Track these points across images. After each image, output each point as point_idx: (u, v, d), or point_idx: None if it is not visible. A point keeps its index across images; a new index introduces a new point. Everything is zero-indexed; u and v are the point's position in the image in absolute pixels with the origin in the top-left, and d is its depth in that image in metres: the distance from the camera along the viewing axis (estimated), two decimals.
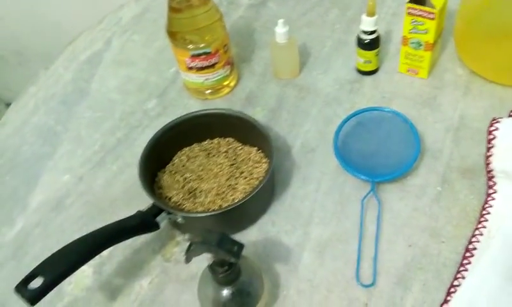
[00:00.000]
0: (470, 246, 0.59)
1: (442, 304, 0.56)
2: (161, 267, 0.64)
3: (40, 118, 0.87)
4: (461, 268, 0.58)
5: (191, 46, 0.76)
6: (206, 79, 0.81)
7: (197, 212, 0.65)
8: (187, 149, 0.74)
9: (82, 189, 0.75)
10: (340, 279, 0.60)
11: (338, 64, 0.87)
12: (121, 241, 0.58)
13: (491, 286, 0.54)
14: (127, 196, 0.73)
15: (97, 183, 0.75)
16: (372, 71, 0.82)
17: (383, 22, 0.90)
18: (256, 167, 0.70)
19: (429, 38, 0.74)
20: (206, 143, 0.75)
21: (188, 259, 0.50)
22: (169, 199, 0.68)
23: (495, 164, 0.63)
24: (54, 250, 0.54)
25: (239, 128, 0.72)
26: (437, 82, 0.80)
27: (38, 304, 0.51)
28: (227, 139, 0.75)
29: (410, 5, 0.72)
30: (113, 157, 0.79)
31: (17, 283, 0.51)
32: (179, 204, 0.67)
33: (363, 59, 0.80)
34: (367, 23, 0.76)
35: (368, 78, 0.83)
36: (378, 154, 0.70)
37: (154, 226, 0.60)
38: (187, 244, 0.50)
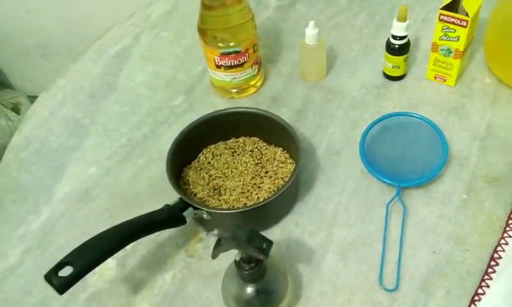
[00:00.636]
0: (495, 255, 0.59)
1: None
2: (184, 262, 0.65)
3: (67, 110, 0.89)
4: (486, 277, 0.58)
5: (221, 44, 0.77)
6: (234, 78, 0.82)
7: (222, 209, 0.66)
8: (212, 146, 0.75)
9: (108, 182, 0.76)
10: (363, 282, 0.60)
11: (365, 68, 0.87)
12: (148, 234, 0.59)
13: None
14: (152, 190, 0.74)
15: (123, 177, 0.76)
16: (400, 76, 0.82)
17: (411, 28, 0.90)
18: (282, 167, 0.71)
19: (460, 45, 0.74)
20: (231, 141, 0.75)
21: (215, 255, 0.51)
22: (195, 195, 0.69)
23: None
24: (79, 241, 0.55)
25: (265, 128, 0.73)
26: (465, 91, 0.80)
27: None
28: (252, 138, 0.75)
29: (443, 11, 0.72)
30: (139, 152, 0.80)
31: (43, 271, 0.52)
32: (204, 201, 0.68)
33: (392, 64, 0.80)
34: (398, 28, 0.76)
35: (395, 84, 0.83)
36: (404, 159, 0.70)
37: (181, 221, 0.61)
38: (211, 241, 0.50)
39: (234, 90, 0.85)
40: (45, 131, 0.86)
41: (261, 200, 0.66)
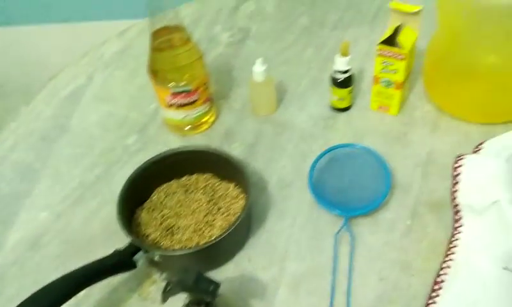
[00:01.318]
0: (438, 279, 0.61)
1: None
2: (138, 306, 0.65)
3: (18, 155, 0.88)
4: (430, 301, 0.60)
5: (171, 84, 0.78)
6: (186, 116, 0.83)
7: (174, 250, 0.66)
8: (165, 185, 0.76)
9: (60, 227, 0.75)
10: None
11: (314, 101, 0.90)
12: (98, 281, 0.59)
13: None
14: (105, 233, 0.73)
15: (75, 221, 0.76)
16: (346, 108, 0.85)
17: (356, 60, 0.94)
18: (234, 203, 0.72)
19: (399, 77, 0.77)
20: (184, 179, 0.76)
21: (165, 299, 0.51)
22: (147, 236, 0.69)
23: (461, 199, 0.66)
24: (31, 290, 0.54)
25: (217, 164, 0.74)
26: (407, 119, 0.83)
27: None
28: (205, 175, 0.76)
29: (381, 46, 0.76)
30: (92, 194, 0.79)
31: None
32: (156, 242, 0.68)
33: (337, 96, 0.83)
34: (341, 63, 0.79)
35: (342, 115, 0.86)
36: (351, 189, 0.72)
37: (131, 266, 0.61)
38: (164, 283, 0.51)
39: (187, 127, 0.86)
40: None
41: (213, 238, 0.66)
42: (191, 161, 0.75)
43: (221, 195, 0.73)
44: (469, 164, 0.66)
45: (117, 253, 0.61)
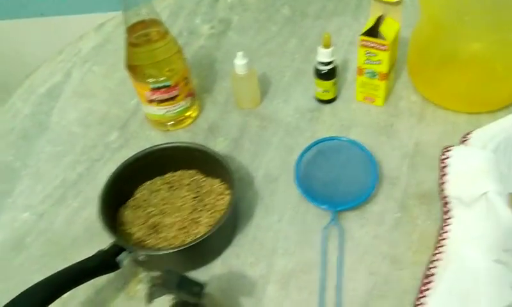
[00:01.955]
0: (428, 272, 0.61)
1: None
2: (125, 305, 0.63)
3: None
4: (420, 295, 0.59)
5: (150, 79, 0.76)
6: (167, 111, 0.81)
7: (159, 249, 0.65)
8: (148, 182, 0.74)
9: (43, 227, 0.73)
10: None
11: (298, 93, 0.88)
12: (82, 283, 0.57)
13: None
14: (88, 232, 0.72)
15: (58, 221, 0.74)
16: (331, 100, 0.84)
17: (340, 51, 0.93)
18: (219, 200, 0.70)
19: (383, 68, 0.76)
20: (168, 176, 0.75)
21: (149, 301, 0.50)
22: (132, 235, 0.67)
23: (449, 190, 0.65)
24: (14, 292, 0.53)
25: (201, 161, 0.73)
26: (393, 110, 0.83)
27: None
28: (190, 172, 0.75)
29: (363, 37, 0.74)
30: (74, 193, 0.77)
31: None
32: (142, 241, 0.66)
33: (321, 88, 0.82)
34: (323, 55, 0.78)
35: (327, 107, 0.85)
36: (339, 182, 0.72)
37: (115, 267, 0.59)
38: (149, 284, 0.49)
39: (170, 123, 0.84)
40: None
41: (199, 236, 0.65)
42: (175, 157, 0.74)
43: (207, 191, 0.72)
44: (456, 156, 0.65)
45: (100, 254, 0.59)
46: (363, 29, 0.74)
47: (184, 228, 0.67)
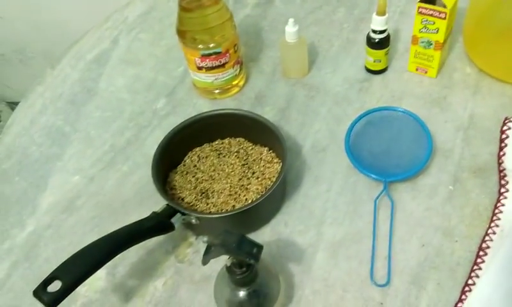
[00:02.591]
0: (483, 245, 0.60)
1: (457, 303, 0.56)
2: (175, 268, 0.64)
3: (48, 119, 0.87)
4: (475, 268, 0.58)
5: (201, 46, 0.76)
6: (216, 79, 0.81)
7: (211, 213, 0.65)
8: (197, 149, 0.74)
9: (93, 190, 0.75)
10: (355, 279, 0.60)
11: (347, 63, 0.87)
12: (137, 243, 0.58)
13: (506, 285, 0.54)
14: (138, 196, 0.73)
15: (108, 184, 0.75)
16: (382, 70, 0.83)
17: (391, 20, 0.90)
18: (268, 168, 0.70)
19: (439, 37, 0.74)
20: (217, 143, 0.75)
21: (206, 261, 0.50)
22: (182, 199, 0.68)
23: (508, 163, 0.63)
24: (67, 252, 0.54)
25: (250, 128, 0.72)
26: (446, 82, 0.80)
27: None
28: (238, 139, 0.75)
29: (421, 4, 0.72)
30: (123, 158, 0.79)
31: (31, 285, 0.51)
32: (192, 205, 0.67)
33: (373, 58, 0.80)
34: (378, 23, 0.76)
35: (377, 78, 0.83)
36: (389, 154, 0.70)
37: (170, 227, 0.60)
38: (202, 245, 0.50)
39: (217, 91, 0.84)
40: (26, 141, 0.84)
41: (249, 202, 0.65)
42: (224, 125, 0.74)
43: (255, 159, 0.72)
44: None
45: (155, 216, 0.60)
46: None
47: (234, 194, 0.68)
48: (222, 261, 0.52)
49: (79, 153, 0.81)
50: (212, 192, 0.69)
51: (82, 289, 0.64)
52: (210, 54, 0.77)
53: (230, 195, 0.68)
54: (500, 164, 0.64)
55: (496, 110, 0.74)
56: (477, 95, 0.77)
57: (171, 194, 0.69)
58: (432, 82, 0.81)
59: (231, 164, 0.72)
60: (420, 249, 0.62)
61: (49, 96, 0.91)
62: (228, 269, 0.52)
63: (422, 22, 0.74)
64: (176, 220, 0.61)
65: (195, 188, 0.69)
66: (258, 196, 0.65)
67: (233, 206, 0.66)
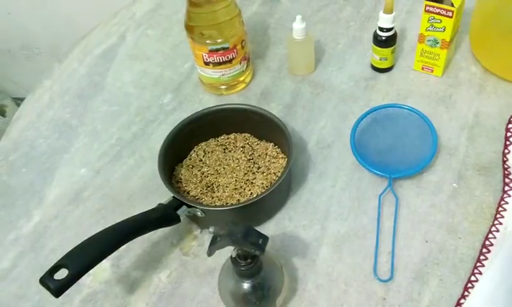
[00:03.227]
0: (487, 242, 0.60)
1: (459, 299, 0.57)
2: (180, 261, 0.65)
3: (55, 112, 0.88)
4: (478, 264, 0.58)
5: (209, 41, 0.77)
6: (222, 74, 0.82)
7: (216, 206, 0.66)
8: (203, 144, 0.75)
9: (99, 183, 0.76)
10: (359, 274, 0.61)
11: (353, 61, 0.87)
12: (143, 234, 0.59)
13: (509, 282, 0.55)
14: (144, 190, 0.73)
15: (114, 177, 0.76)
16: (388, 68, 0.83)
17: (397, 19, 0.90)
18: (274, 163, 0.71)
19: (446, 35, 0.74)
20: (222, 138, 0.75)
21: (211, 252, 0.51)
22: (188, 193, 0.68)
23: None
24: (72, 243, 0.54)
25: (256, 124, 0.73)
26: (452, 80, 0.81)
27: None
28: (243, 134, 0.75)
29: (428, 2, 0.73)
30: (130, 151, 0.79)
31: (37, 274, 0.52)
32: (197, 198, 0.68)
33: (379, 56, 0.81)
34: (385, 20, 0.76)
35: (383, 76, 0.84)
36: (394, 151, 0.71)
37: (176, 219, 0.61)
38: (206, 239, 0.50)
39: (223, 87, 0.84)
40: (33, 133, 0.85)
41: (254, 196, 0.66)
42: (230, 120, 0.74)
43: (260, 154, 0.72)
44: None
45: (161, 207, 0.61)
46: None
47: (239, 188, 0.68)
48: (226, 254, 0.53)
49: (86, 146, 0.81)
50: (217, 186, 0.69)
51: (87, 279, 0.64)
52: (217, 50, 0.78)
53: (235, 189, 0.68)
54: (504, 162, 0.64)
55: (501, 109, 0.75)
56: (482, 94, 0.78)
57: (177, 187, 0.69)
58: (437, 80, 0.81)
59: (236, 158, 0.72)
60: (424, 245, 0.62)
61: (56, 90, 0.92)
62: (233, 260, 0.52)
63: (429, 20, 0.74)
64: (181, 212, 0.62)
65: (201, 182, 0.70)
66: (263, 191, 0.65)
67: (238, 200, 0.67)
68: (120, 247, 0.55)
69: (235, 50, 0.79)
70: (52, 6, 1.55)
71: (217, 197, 0.68)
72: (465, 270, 0.59)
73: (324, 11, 0.98)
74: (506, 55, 0.76)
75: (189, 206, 0.62)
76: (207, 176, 0.70)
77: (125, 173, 0.76)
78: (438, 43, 0.76)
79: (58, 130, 0.84)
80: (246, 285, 0.54)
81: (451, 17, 0.72)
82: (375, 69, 0.84)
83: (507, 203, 0.62)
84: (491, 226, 0.61)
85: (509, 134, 0.64)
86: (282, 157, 0.71)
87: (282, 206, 0.69)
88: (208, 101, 0.85)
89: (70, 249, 0.53)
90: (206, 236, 0.66)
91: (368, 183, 0.69)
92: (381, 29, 0.78)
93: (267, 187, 0.68)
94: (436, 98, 0.78)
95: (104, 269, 0.65)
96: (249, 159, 0.72)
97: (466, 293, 0.57)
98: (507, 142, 0.64)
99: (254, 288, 0.54)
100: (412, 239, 0.63)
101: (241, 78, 0.85)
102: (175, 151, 0.72)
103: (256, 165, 0.71)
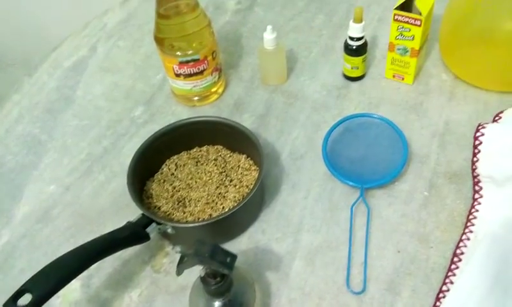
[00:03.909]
0: (458, 251, 0.60)
1: None
2: (151, 279, 0.64)
3: (24, 127, 0.86)
4: (449, 273, 0.58)
5: (179, 53, 0.76)
6: (194, 86, 0.81)
7: (187, 222, 0.65)
8: (175, 157, 0.74)
9: (69, 199, 0.74)
10: (331, 287, 0.60)
11: (326, 70, 0.87)
12: (111, 254, 0.57)
13: (480, 291, 0.55)
14: (115, 206, 0.72)
15: (84, 193, 0.74)
16: (359, 77, 0.83)
17: (368, 27, 0.91)
18: (246, 175, 0.70)
19: (415, 44, 0.75)
20: (195, 151, 0.74)
21: (180, 272, 0.50)
22: (159, 208, 0.67)
23: (481, 169, 0.64)
24: (42, 263, 0.53)
25: (228, 136, 0.72)
26: (423, 88, 0.81)
27: None
28: (216, 147, 0.75)
29: (397, 12, 0.73)
30: (100, 166, 0.78)
31: (5, 296, 0.50)
32: (168, 214, 0.67)
33: (350, 65, 0.81)
34: (355, 30, 0.76)
35: (355, 84, 0.84)
36: (366, 160, 0.71)
37: (145, 238, 0.60)
38: (178, 255, 0.49)
39: (196, 98, 0.84)
40: (1, 149, 0.83)
41: (226, 210, 0.65)
42: (202, 132, 0.73)
43: (233, 166, 0.72)
44: (490, 133, 0.64)
45: (129, 225, 0.60)
46: (397, 2, 0.73)
47: (211, 202, 0.67)
48: (197, 271, 0.52)
49: (55, 162, 0.80)
50: (189, 201, 0.68)
51: (57, 301, 0.63)
52: (188, 61, 0.77)
53: (207, 203, 0.67)
54: (473, 170, 0.65)
55: (471, 116, 0.75)
56: (453, 101, 0.78)
57: (148, 202, 0.68)
58: (408, 88, 0.81)
59: (209, 171, 0.71)
60: (396, 255, 0.62)
61: (26, 104, 0.90)
62: (203, 279, 0.51)
63: (398, 29, 0.74)
64: (151, 230, 0.61)
65: (172, 196, 0.69)
66: (235, 204, 0.65)
67: (210, 214, 0.66)
68: (85, 269, 0.54)
69: (205, 61, 0.78)
70: (24, 16, 1.53)
71: (189, 212, 0.67)
72: (437, 279, 0.59)
73: (296, 20, 0.98)
74: (475, 62, 0.76)
75: (158, 224, 0.61)
76: (179, 191, 0.69)
77: (95, 189, 0.75)
78: (407, 51, 0.76)
79: (27, 146, 0.83)
80: (217, 304, 0.53)
81: (419, 26, 0.72)
82: (347, 78, 0.84)
83: (477, 210, 0.62)
84: (462, 235, 0.61)
85: (477, 142, 0.64)
86: (255, 169, 0.71)
87: (255, 219, 0.68)
88: (181, 113, 0.84)
89: (38, 269, 0.52)
90: (177, 254, 0.65)
91: (341, 193, 0.69)
92: (351, 38, 0.78)
93: (239, 200, 0.67)
94: (407, 106, 0.79)
95: (73, 289, 0.64)
96: (222, 172, 0.71)
97: (438, 303, 0.57)
98: (476, 151, 0.64)
99: (225, 306, 0.53)
100: (384, 249, 0.63)
101: (213, 89, 0.84)
102: (146, 166, 0.71)
103: (228, 178, 0.70)
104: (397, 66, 0.79)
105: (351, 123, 0.74)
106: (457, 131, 0.74)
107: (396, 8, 0.73)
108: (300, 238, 0.65)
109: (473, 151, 0.65)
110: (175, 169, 0.72)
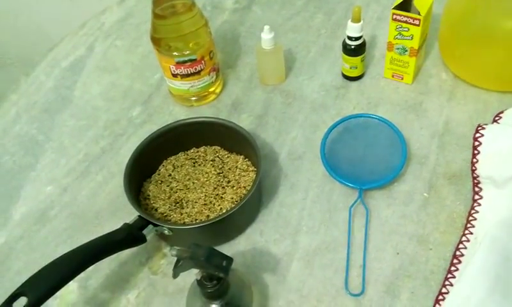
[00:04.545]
0: (457, 253, 0.60)
1: None
2: (148, 280, 0.63)
3: (21, 127, 0.85)
4: (449, 276, 0.58)
5: (175, 53, 0.75)
6: (191, 86, 0.80)
7: (184, 224, 0.64)
8: (172, 158, 0.73)
9: (67, 200, 0.74)
10: (330, 289, 0.60)
11: (324, 69, 0.86)
12: (108, 255, 0.57)
13: (480, 293, 0.54)
14: (112, 206, 0.72)
15: (82, 194, 0.74)
16: (358, 76, 0.82)
17: (368, 26, 0.90)
18: (244, 176, 0.70)
19: (414, 43, 0.74)
20: (192, 152, 0.74)
21: (176, 275, 0.50)
22: (156, 210, 0.67)
23: (481, 170, 0.63)
24: (39, 264, 0.53)
25: (226, 136, 0.72)
26: (422, 88, 0.80)
27: None
28: (213, 147, 0.74)
29: (395, 11, 0.72)
30: (98, 167, 0.77)
31: (3, 298, 0.50)
32: (166, 215, 0.66)
33: (349, 64, 0.80)
34: (353, 29, 0.76)
35: (354, 84, 0.83)
36: (365, 161, 0.70)
37: (141, 240, 0.59)
38: (175, 258, 0.49)
39: (193, 98, 0.83)
40: None
41: (224, 211, 0.65)
42: (199, 133, 0.73)
43: (231, 167, 0.71)
44: (490, 134, 0.63)
45: (126, 227, 0.59)
46: (395, 2, 0.72)
47: (209, 203, 0.67)
48: (195, 273, 0.52)
49: (53, 162, 0.79)
50: (186, 202, 0.68)
51: (54, 302, 0.62)
52: (185, 61, 0.76)
53: (204, 204, 0.67)
54: (473, 171, 0.64)
55: (471, 116, 0.75)
56: (452, 101, 0.78)
57: (145, 204, 0.68)
58: (408, 88, 0.81)
59: (206, 172, 0.71)
60: (395, 257, 0.62)
61: (23, 104, 0.90)
62: (199, 282, 0.51)
63: (396, 28, 0.74)
64: (148, 231, 0.61)
65: (169, 198, 0.68)
66: (233, 206, 0.64)
67: (208, 216, 0.66)
68: (81, 271, 0.54)
69: (202, 61, 0.77)
70: (22, 15, 1.52)
71: (187, 213, 0.66)
72: (436, 282, 0.59)
73: (295, 19, 0.97)
74: (474, 62, 0.76)
75: (155, 225, 0.61)
76: (176, 192, 0.69)
77: (92, 190, 0.74)
78: (406, 51, 0.76)
79: (24, 147, 0.82)
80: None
81: (418, 25, 0.71)
82: (346, 77, 0.83)
83: (477, 212, 0.62)
84: (462, 236, 0.61)
85: (476, 143, 0.63)
86: (252, 170, 0.70)
87: (253, 220, 0.68)
88: (179, 113, 0.84)
89: (35, 271, 0.52)
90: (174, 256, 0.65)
91: (339, 194, 0.69)
92: (350, 38, 0.77)
93: (236, 201, 0.66)
94: (406, 106, 0.78)
95: (71, 291, 0.63)
96: (219, 173, 0.71)
97: (437, 305, 0.56)
98: (475, 152, 0.63)
99: None
100: (383, 251, 0.63)
101: (211, 89, 0.83)
102: (143, 167, 0.70)
103: (226, 179, 0.70)
104: (396, 65, 0.79)
105: (349, 123, 0.74)
106: (457, 131, 0.73)
107: (394, 8, 0.72)
108: (298, 240, 0.65)
109: (473, 152, 0.64)
110: (173, 170, 0.72)
